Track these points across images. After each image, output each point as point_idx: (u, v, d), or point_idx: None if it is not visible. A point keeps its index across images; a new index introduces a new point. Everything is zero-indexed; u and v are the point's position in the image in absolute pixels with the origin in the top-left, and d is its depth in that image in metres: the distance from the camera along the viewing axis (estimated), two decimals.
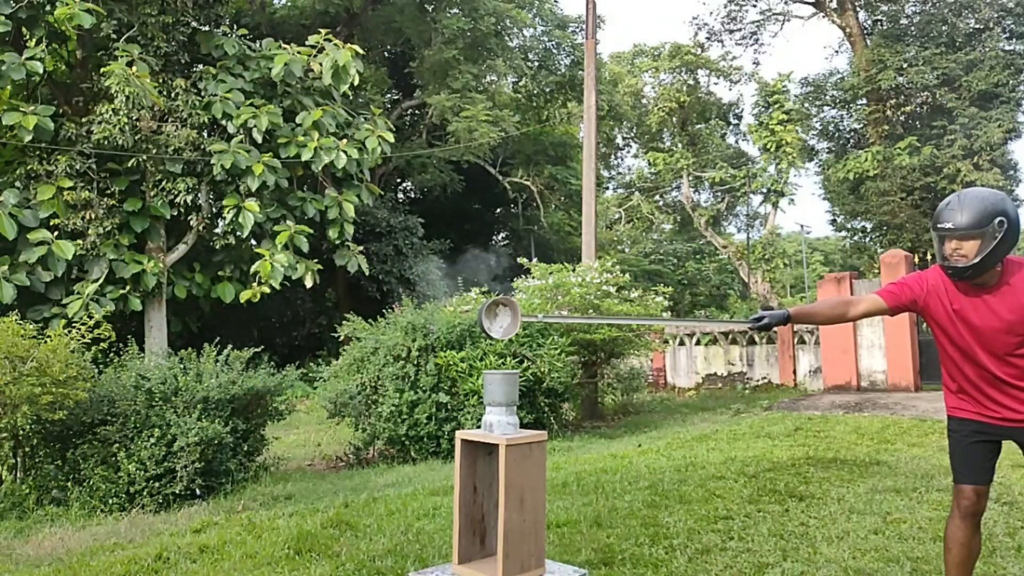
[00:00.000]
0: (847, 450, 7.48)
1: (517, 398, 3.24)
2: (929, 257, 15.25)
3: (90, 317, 8.20)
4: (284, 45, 15.08)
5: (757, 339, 15.97)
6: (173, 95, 13.94)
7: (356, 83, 15.15)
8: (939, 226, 2.91)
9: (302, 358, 18.62)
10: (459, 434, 3.24)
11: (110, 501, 6.70)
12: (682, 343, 17.11)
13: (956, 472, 3.11)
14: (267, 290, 14.25)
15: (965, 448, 3.08)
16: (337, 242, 15.72)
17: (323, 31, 15.66)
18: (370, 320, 10.14)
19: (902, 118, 21.71)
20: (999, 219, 2.80)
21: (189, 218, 14.34)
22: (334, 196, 15.52)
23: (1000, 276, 2.92)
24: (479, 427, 3.26)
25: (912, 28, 21.77)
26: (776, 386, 15.34)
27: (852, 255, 24.87)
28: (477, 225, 28.51)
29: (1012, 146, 21.94)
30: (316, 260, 15.46)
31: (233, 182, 14.21)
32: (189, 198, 14.00)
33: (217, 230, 14.99)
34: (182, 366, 7.68)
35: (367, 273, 16.84)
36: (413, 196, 27.80)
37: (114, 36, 13.55)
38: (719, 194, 30.13)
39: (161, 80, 13.88)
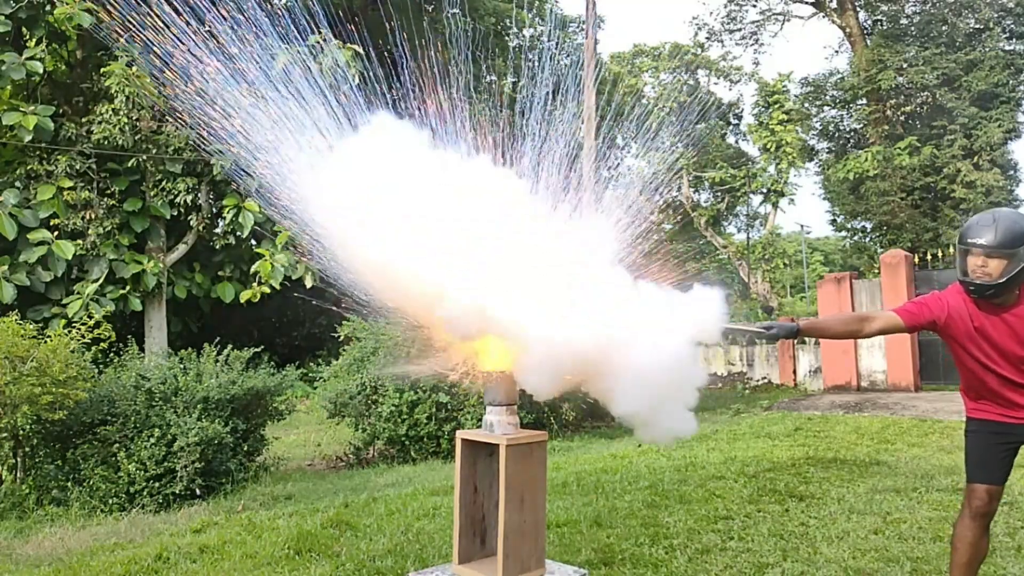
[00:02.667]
0: (847, 450, 7.47)
1: (517, 398, 3.23)
2: (929, 256, 15.24)
3: (90, 317, 8.21)
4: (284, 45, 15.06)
5: (757, 338, 15.95)
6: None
7: (356, 83, 15.14)
8: (968, 240, 2.91)
9: (302, 358, 18.60)
10: (459, 434, 3.24)
11: (110, 501, 6.69)
12: None
13: (970, 472, 3.11)
14: (267, 290, 14.23)
15: (983, 448, 3.08)
16: None
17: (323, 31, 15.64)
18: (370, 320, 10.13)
19: (902, 118, 21.69)
20: None
21: (189, 218, 14.33)
22: None
23: (1018, 296, 2.95)
24: (479, 427, 3.25)
25: (912, 28, 21.76)
26: (776, 386, 15.33)
27: (852, 255, 24.82)
28: None
29: (1012, 146, 21.87)
30: None
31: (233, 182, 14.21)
32: (189, 198, 13.99)
33: (217, 230, 14.97)
34: (182, 366, 7.69)
35: None
36: None
37: None
38: (719, 194, 30.12)
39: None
